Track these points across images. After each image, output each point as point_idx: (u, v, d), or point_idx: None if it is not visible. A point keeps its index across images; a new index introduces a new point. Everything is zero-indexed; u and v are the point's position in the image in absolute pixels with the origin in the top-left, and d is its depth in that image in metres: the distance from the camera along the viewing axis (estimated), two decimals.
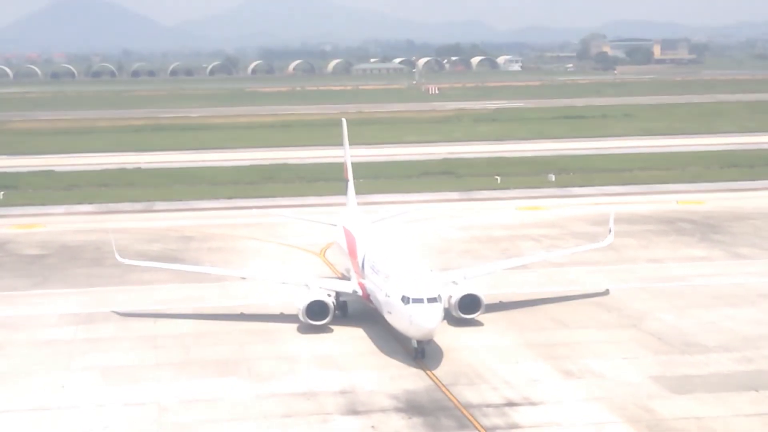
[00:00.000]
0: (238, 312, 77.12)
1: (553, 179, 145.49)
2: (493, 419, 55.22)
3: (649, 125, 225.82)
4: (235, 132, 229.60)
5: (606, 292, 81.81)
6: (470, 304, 71.91)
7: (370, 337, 69.76)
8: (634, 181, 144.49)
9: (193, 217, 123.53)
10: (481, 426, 54.26)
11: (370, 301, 72.23)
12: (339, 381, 61.80)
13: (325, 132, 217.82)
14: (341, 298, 75.38)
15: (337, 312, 72.92)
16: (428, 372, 62.36)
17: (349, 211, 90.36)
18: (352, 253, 79.13)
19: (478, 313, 72.14)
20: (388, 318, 66.49)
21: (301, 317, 71.29)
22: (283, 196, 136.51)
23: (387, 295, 66.04)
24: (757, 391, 59.01)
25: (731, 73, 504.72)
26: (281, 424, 55.11)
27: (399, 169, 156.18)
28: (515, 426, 54.36)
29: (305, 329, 71.40)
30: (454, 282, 74.53)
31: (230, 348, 68.99)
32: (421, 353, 64.43)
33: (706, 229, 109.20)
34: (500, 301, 77.71)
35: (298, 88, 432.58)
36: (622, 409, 56.36)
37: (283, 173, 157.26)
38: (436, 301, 63.81)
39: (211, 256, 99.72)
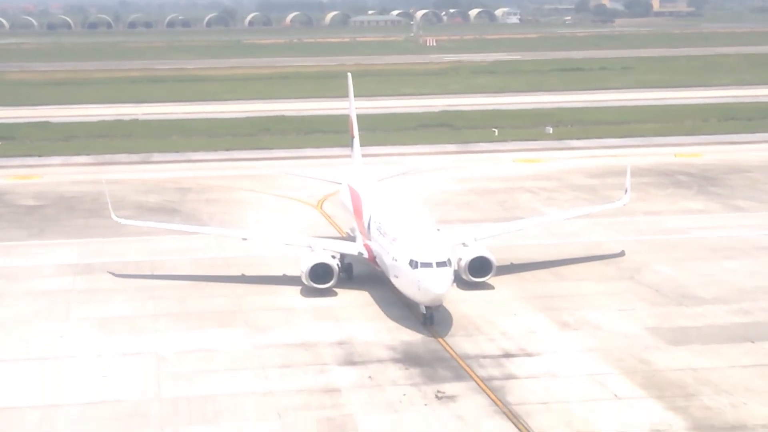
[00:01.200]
0: (237, 265, 76.95)
1: (551, 132, 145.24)
2: (489, 370, 55.44)
3: (647, 78, 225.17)
4: (232, 84, 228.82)
5: (604, 245, 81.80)
6: (480, 266, 69.05)
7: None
8: (631, 133, 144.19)
9: (190, 168, 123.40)
10: (478, 377, 54.48)
11: (376, 264, 69.28)
12: (336, 332, 61.96)
13: (322, 84, 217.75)
14: (346, 260, 72.77)
15: (341, 274, 70.39)
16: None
17: (355, 169, 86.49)
18: (357, 212, 76.20)
19: (489, 275, 69.48)
20: (395, 282, 64.01)
21: (304, 280, 68.52)
22: (280, 147, 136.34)
23: (394, 259, 63.32)
24: (753, 342, 59.23)
25: (730, 25, 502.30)
26: (279, 374, 55.31)
27: (396, 122, 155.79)
28: (511, 377, 54.58)
29: (307, 290, 69.56)
30: (463, 244, 71.21)
31: (227, 299, 69.09)
32: (429, 319, 61.91)
33: (703, 181, 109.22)
34: (511, 263, 75.49)
35: (296, 40, 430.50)
36: (618, 360, 56.57)
37: (280, 125, 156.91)
38: (446, 266, 61.00)
39: (208, 207, 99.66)
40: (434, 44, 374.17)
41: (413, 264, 60.88)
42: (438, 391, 52.63)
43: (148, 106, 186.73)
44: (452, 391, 52.56)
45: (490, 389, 52.80)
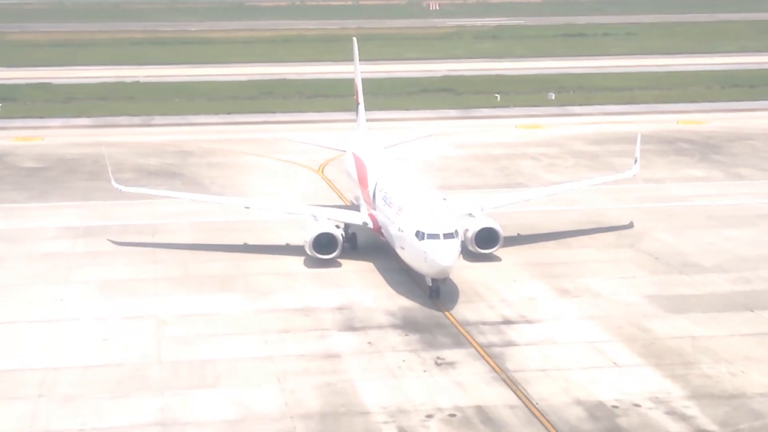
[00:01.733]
0: (238, 229, 76.82)
1: (553, 98, 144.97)
2: (489, 337, 55.51)
3: (650, 44, 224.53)
4: (234, 47, 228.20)
5: (605, 212, 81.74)
6: (488, 237, 67.83)
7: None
8: (634, 100, 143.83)
9: (191, 132, 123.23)
10: (477, 343, 54.55)
11: (381, 234, 68.05)
12: (337, 298, 61.99)
13: (324, 47, 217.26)
14: (350, 230, 71.61)
15: (345, 244, 69.16)
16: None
17: (360, 135, 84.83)
18: (362, 181, 74.47)
19: (497, 247, 68.32)
20: (401, 254, 62.72)
21: (307, 250, 67.31)
22: (282, 111, 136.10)
23: (400, 230, 61.92)
24: (752, 311, 59.29)
25: None
26: (279, 339, 55.40)
27: (398, 86, 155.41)
28: (511, 343, 54.66)
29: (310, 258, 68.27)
30: (470, 214, 70.23)
31: (228, 263, 69.08)
32: (436, 292, 60.55)
33: (705, 149, 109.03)
34: (518, 234, 74.49)
35: (298, 3, 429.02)
36: (617, 327, 56.63)
37: (282, 89, 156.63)
38: (453, 237, 59.55)
39: (210, 171, 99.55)
40: (437, 8, 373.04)
41: (419, 235, 59.54)
42: (437, 358, 52.74)
43: (150, 68, 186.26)
44: (451, 358, 52.63)
45: (489, 356, 52.87)
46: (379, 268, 67.19)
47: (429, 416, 46.17)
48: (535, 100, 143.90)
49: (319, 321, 58.30)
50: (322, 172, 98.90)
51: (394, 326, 57.37)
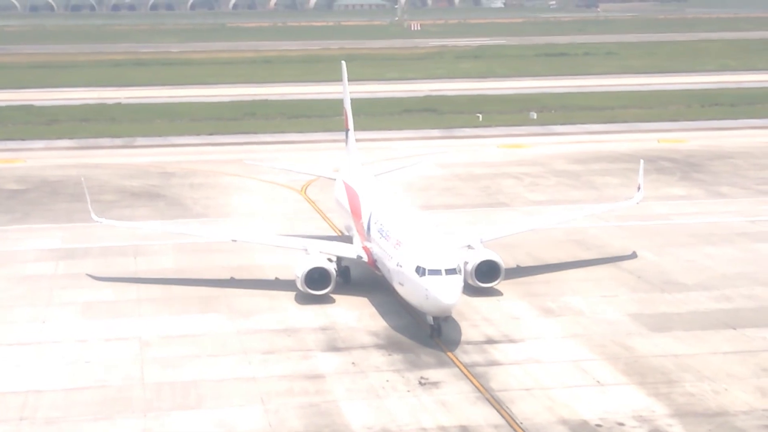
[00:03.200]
0: (221, 250, 76.43)
1: (535, 117, 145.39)
2: (473, 356, 55.53)
3: (631, 63, 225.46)
4: (216, 68, 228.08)
5: (586, 230, 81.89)
6: (489, 270, 64.65)
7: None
8: (615, 119, 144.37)
9: (174, 153, 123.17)
10: (461, 363, 54.58)
11: (377, 269, 64.58)
12: (320, 318, 61.91)
13: (306, 68, 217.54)
14: (343, 263, 68.16)
15: (338, 279, 65.53)
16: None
17: (350, 163, 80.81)
18: (355, 212, 70.90)
19: (498, 280, 65.08)
20: (400, 290, 59.13)
21: (299, 286, 63.91)
22: (264, 132, 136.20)
23: (399, 265, 58.24)
24: (734, 329, 59.47)
25: (715, 11, 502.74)
26: (262, 360, 55.31)
27: (380, 107, 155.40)
28: (495, 363, 54.69)
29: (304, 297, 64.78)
30: (469, 246, 66.91)
31: (211, 284, 68.99)
32: (437, 331, 57.37)
33: (686, 167, 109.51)
34: (517, 265, 71.84)
35: (280, 24, 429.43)
36: (600, 346, 56.73)
37: (264, 109, 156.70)
38: (456, 273, 56.23)
39: (192, 192, 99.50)
40: (419, 28, 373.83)
41: (420, 271, 56.06)
42: (421, 378, 52.72)
43: (132, 89, 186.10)
44: (435, 378, 52.61)
45: (473, 375, 52.89)
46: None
47: None
48: (517, 120, 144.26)
49: (302, 341, 58.23)
50: (305, 192, 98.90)
51: (378, 346, 57.34)
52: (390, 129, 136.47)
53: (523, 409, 48.73)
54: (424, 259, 56.53)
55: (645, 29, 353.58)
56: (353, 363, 54.89)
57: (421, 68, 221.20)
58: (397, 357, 55.60)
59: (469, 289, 63.40)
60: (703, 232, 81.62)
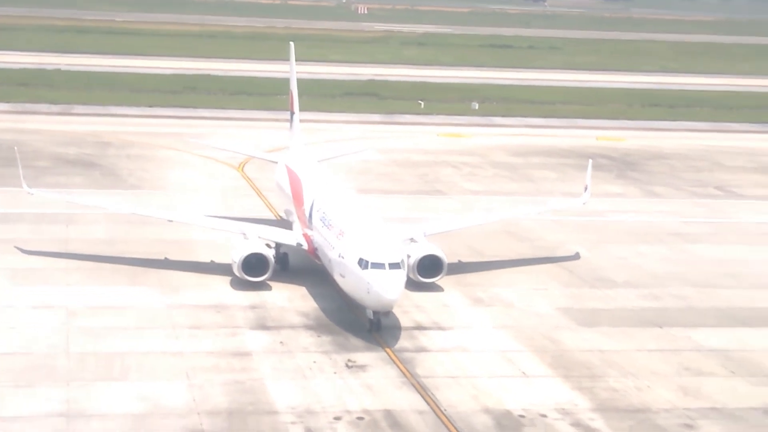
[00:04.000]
0: (154, 222, 75.33)
1: (477, 107, 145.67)
2: (401, 342, 55.62)
3: (574, 59, 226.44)
4: (159, 39, 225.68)
5: (521, 223, 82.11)
6: (431, 265, 63.15)
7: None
8: (555, 114, 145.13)
9: (112, 122, 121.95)
10: (389, 348, 54.66)
11: (317, 257, 62.92)
12: (250, 296, 61.69)
13: (250, 45, 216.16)
14: (282, 250, 66.52)
15: (276, 266, 63.71)
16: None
17: (294, 148, 78.86)
18: (296, 198, 69.02)
19: (440, 276, 63.81)
20: (340, 282, 57.54)
21: (236, 271, 62.13)
22: (204, 107, 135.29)
23: (341, 256, 56.71)
24: (660, 327, 60.12)
25: (660, 12, 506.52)
26: (189, 335, 55.05)
27: (322, 88, 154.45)
28: (423, 349, 54.85)
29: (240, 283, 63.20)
30: (412, 239, 65.09)
31: (142, 257, 68.44)
32: (376, 325, 55.89)
33: (623, 166, 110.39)
34: (459, 260, 70.43)
35: None
36: (529, 338, 57.10)
37: (205, 84, 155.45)
38: (399, 267, 54.73)
39: (128, 163, 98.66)
40: (366, 12, 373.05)
41: (363, 264, 54.51)
42: (348, 360, 52.74)
43: (73, 56, 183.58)
44: (363, 361, 52.69)
45: (400, 360, 53.03)
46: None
47: (337, 418, 46.17)
48: (458, 109, 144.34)
49: (231, 318, 58.04)
50: (242, 170, 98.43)
51: (307, 327, 57.29)
52: (331, 111, 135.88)
53: (448, 396, 48.94)
54: (367, 251, 55.05)
55: (590, 26, 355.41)
56: (281, 342, 54.81)
57: (365, 52, 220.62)
58: (326, 338, 55.59)
59: (410, 284, 61.37)
60: (636, 231, 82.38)
